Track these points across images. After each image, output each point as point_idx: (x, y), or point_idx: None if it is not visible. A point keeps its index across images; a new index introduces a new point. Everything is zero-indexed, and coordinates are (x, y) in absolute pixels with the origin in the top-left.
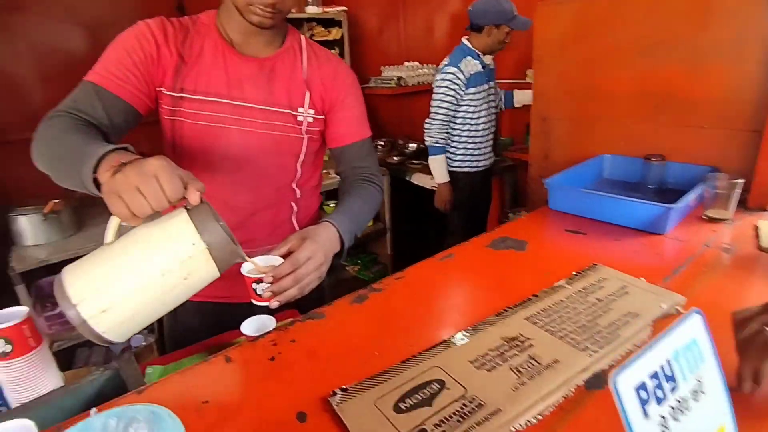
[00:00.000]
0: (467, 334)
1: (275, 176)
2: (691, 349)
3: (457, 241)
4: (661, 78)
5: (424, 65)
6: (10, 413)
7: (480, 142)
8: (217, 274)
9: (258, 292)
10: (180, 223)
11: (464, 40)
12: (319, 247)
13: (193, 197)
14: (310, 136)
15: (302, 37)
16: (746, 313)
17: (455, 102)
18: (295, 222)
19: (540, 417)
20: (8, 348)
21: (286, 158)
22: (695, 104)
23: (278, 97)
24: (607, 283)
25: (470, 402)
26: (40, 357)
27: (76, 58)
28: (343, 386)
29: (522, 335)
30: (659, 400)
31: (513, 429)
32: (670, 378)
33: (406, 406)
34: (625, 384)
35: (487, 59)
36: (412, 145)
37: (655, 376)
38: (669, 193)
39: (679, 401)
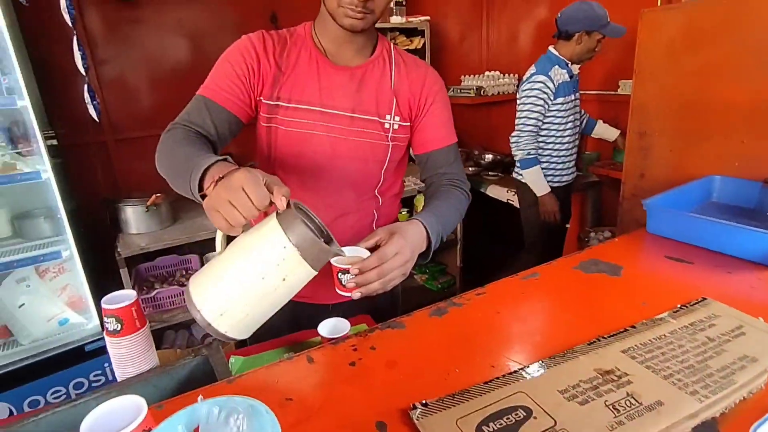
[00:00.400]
0: (554, 361)
1: (360, 182)
2: None
3: (532, 259)
4: None
5: (506, 75)
6: (115, 386)
7: (564, 156)
8: (314, 272)
9: (343, 282)
10: (270, 229)
11: (551, 48)
12: (407, 243)
13: (280, 203)
14: (395, 143)
15: (391, 45)
16: None
17: (543, 112)
18: (375, 229)
19: None
20: (119, 326)
21: (371, 165)
22: None
23: (366, 105)
24: (720, 320)
25: None
26: (144, 337)
27: (181, 66)
28: (424, 401)
29: (619, 369)
30: None
31: None
32: None
33: (489, 430)
34: None
35: (575, 69)
36: (489, 156)
37: None
38: None
39: None
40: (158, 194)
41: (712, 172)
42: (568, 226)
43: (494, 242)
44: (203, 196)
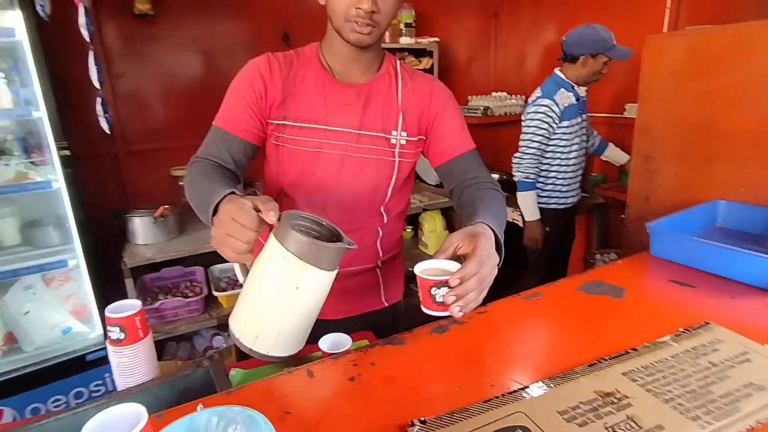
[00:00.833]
0: (555, 382)
1: (366, 199)
2: None
3: (537, 280)
4: None
5: (513, 96)
6: (115, 395)
7: (570, 179)
8: (327, 272)
9: (438, 299)
10: (269, 245)
11: (557, 71)
12: (492, 245)
13: (269, 218)
14: (402, 159)
15: (398, 62)
16: None
17: (548, 135)
18: (379, 247)
19: None
20: (122, 335)
21: (377, 181)
22: None
23: (372, 121)
24: (724, 345)
25: None
26: (146, 347)
27: (193, 82)
28: (423, 418)
29: (619, 392)
30: None
31: None
32: None
33: None
34: None
35: (581, 91)
36: (495, 176)
37: None
38: None
39: None
40: (166, 206)
41: (716, 196)
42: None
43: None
44: None
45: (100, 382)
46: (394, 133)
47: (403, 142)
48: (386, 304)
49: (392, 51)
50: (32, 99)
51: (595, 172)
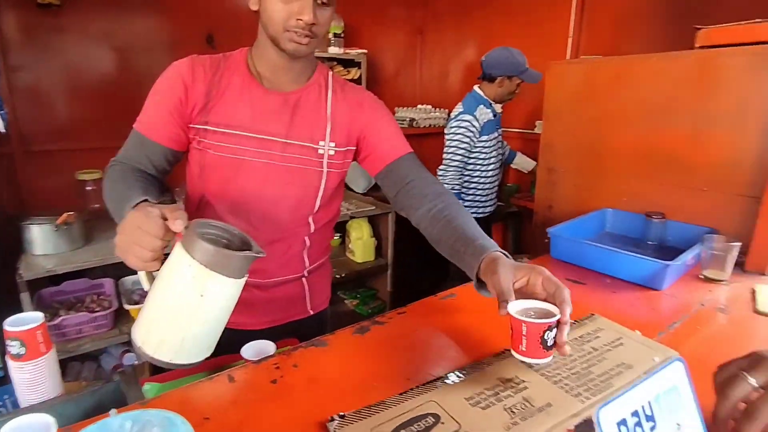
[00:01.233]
0: (464, 373)
1: (292, 209)
2: (672, 394)
3: (458, 285)
4: (664, 140)
5: (437, 109)
6: (16, 413)
7: (488, 189)
8: (234, 280)
9: (549, 343)
10: (175, 252)
11: (476, 88)
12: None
13: (175, 226)
14: (330, 170)
15: (330, 72)
16: (729, 363)
17: (469, 149)
18: (306, 257)
19: None
20: (22, 350)
21: (305, 191)
22: (696, 167)
23: (299, 131)
24: (604, 333)
25: None
26: (49, 363)
27: (105, 79)
28: (342, 413)
29: (518, 377)
30: None
31: None
32: (650, 418)
33: None
34: (608, 418)
35: (498, 108)
36: None
37: (635, 414)
38: (668, 251)
39: None
40: (70, 213)
41: (606, 205)
42: None
43: (424, 268)
44: None
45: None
46: (321, 143)
47: (332, 152)
48: (312, 313)
49: (321, 60)
50: None
51: (510, 183)
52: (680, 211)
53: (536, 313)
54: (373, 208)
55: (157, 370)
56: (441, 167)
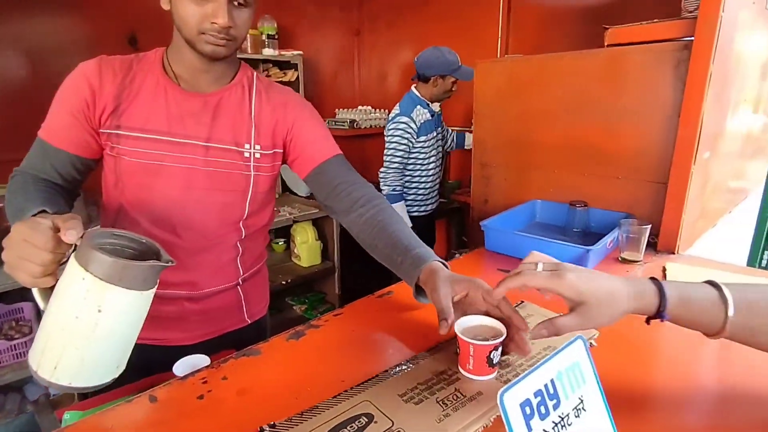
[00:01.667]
0: (400, 369)
1: (220, 215)
2: (574, 370)
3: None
4: (582, 133)
5: (377, 109)
6: None
7: (429, 187)
8: (136, 294)
9: (495, 361)
10: (69, 266)
11: (413, 88)
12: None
13: (67, 237)
14: (258, 173)
15: (254, 73)
16: None
17: (408, 150)
18: (239, 264)
19: None
20: None
21: (232, 196)
22: (611, 158)
23: (222, 134)
24: (532, 319)
25: None
26: None
27: (15, 85)
28: (272, 422)
29: (451, 369)
30: (542, 416)
31: None
32: (553, 396)
33: None
34: (511, 401)
35: (435, 107)
36: None
37: (538, 393)
38: (592, 237)
39: (561, 417)
40: None
41: (535, 197)
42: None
43: (371, 268)
44: None
45: None
46: (246, 146)
47: (258, 155)
48: (250, 321)
49: (256, 62)
50: None
51: (451, 180)
52: (601, 198)
53: (481, 331)
54: (317, 210)
55: (82, 398)
56: (382, 169)
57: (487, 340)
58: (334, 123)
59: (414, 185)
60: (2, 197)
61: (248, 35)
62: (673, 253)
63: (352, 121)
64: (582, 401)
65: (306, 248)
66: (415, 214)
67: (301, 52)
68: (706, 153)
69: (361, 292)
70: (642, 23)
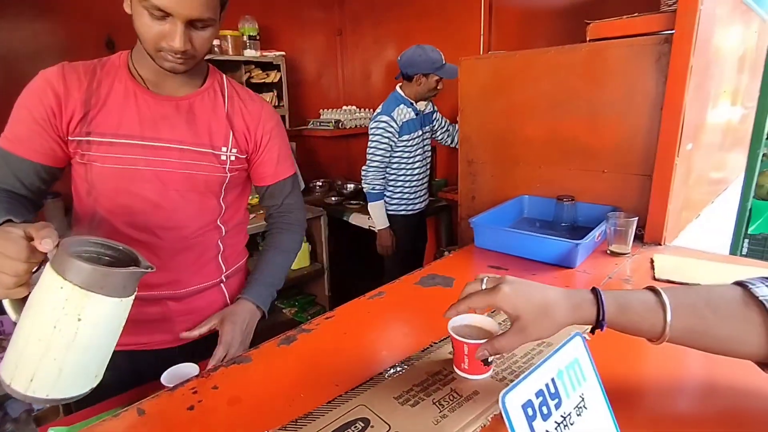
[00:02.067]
0: (394, 371)
1: (198, 214)
2: (574, 368)
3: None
4: (567, 128)
5: (362, 109)
6: None
7: (415, 186)
8: (115, 301)
9: (490, 360)
10: (45, 274)
11: (398, 88)
12: (243, 318)
13: (42, 246)
14: (233, 174)
15: (224, 77)
16: None
17: (389, 149)
18: (221, 261)
19: None
20: None
21: (208, 196)
22: (596, 151)
23: (199, 137)
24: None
25: None
26: None
27: None
28: (266, 431)
29: (446, 369)
30: (545, 416)
31: None
32: (555, 395)
33: None
34: (513, 402)
35: (421, 105)
36: (350, 186)
37: (540, 393)
38: (580, 230)
39: (563, 416)
40: None
41: (522, 192)
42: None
43: (361, 269)
44: None
45: None
46: (224, 149)
47: (233, 158)
48: None
49: (237, 63)
50: None
51: (438, 178)
52: (588, 192)
53: (474, 330)
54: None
55: (67, 411)
56: (363, 167)
57: (481, 338)
58: (318, 123)
59: (399, 184)
60: None
61: (229, 37)
62: (660, 245)
63: (337, 121)
64: (583, 399)
65: None
66: (403, 212)
67: (283, 53)
68: (689, 145)
69: (351, 293)
70: (623, 17)
